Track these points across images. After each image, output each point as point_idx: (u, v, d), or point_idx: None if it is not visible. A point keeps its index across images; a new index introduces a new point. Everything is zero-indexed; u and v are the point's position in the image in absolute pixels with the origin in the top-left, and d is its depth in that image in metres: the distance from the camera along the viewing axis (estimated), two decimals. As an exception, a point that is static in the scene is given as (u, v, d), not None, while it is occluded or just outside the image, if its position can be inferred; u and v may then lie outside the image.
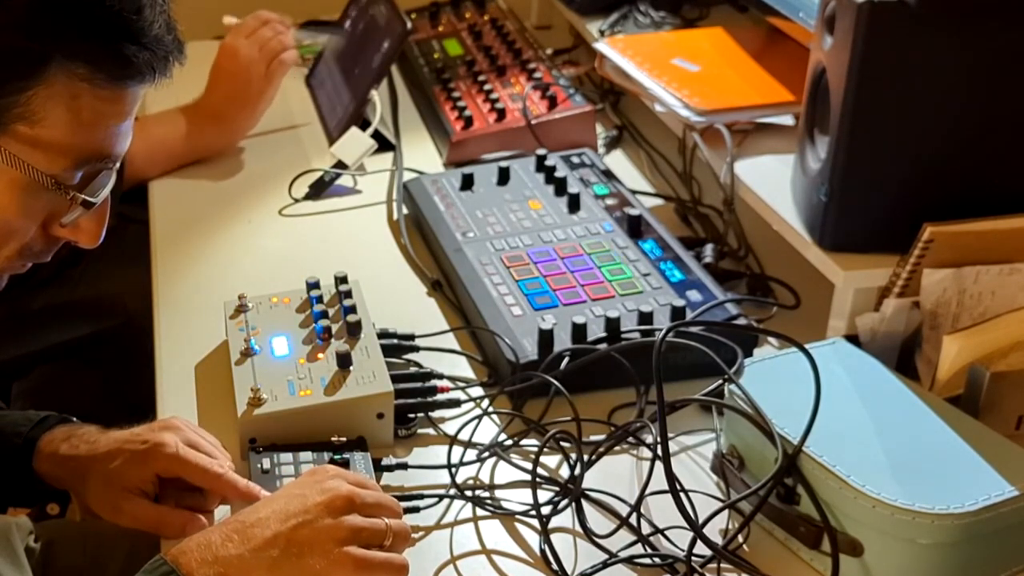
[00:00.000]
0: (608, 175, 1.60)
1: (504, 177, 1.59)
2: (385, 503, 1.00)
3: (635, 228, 1.45)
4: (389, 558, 0.96)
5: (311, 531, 0.93)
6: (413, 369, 1.29)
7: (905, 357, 1.26)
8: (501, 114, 1.74)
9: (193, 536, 0.95)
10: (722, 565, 1.05)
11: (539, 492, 1.12)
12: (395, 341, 1.31)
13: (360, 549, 0.94)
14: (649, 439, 1.17)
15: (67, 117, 0.89)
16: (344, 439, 1.15)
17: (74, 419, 1.17)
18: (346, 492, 0.97)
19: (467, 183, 1.58)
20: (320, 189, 1.67)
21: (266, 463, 1.11)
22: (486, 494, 1.15)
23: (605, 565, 1.06)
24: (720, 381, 1.18)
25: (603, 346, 1.26)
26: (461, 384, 1.29)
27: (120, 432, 1.12)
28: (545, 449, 1.16)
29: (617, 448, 1.19)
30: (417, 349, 1.32)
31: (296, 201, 1.65)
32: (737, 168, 1.47)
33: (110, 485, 1.08)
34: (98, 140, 0.92)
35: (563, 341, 1.27)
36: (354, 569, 0.93)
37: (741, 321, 1.30)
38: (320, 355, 1.23)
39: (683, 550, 1.06)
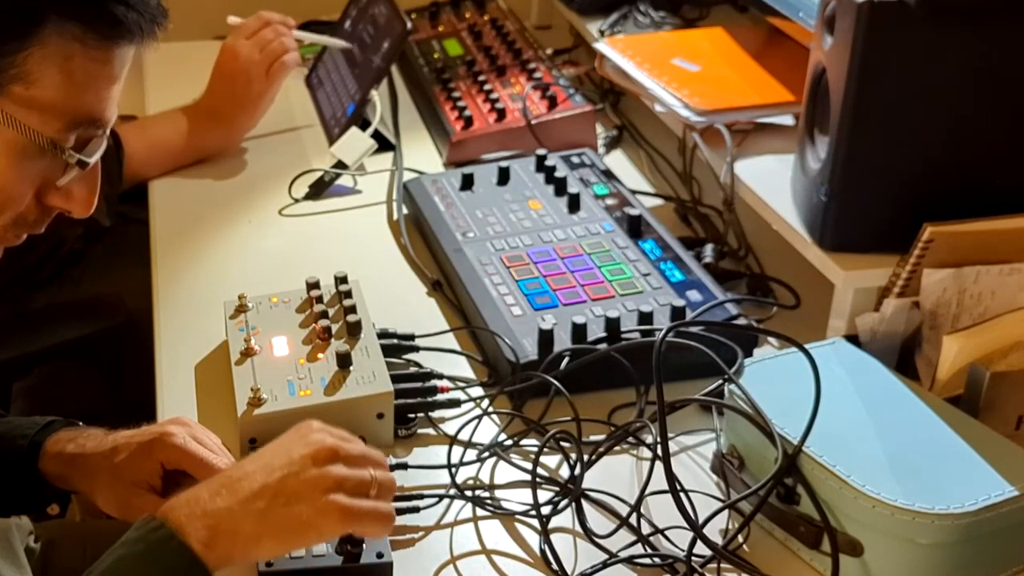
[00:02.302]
0: (608, 175, 1.60)
1: (504, 177, 1.59)
2: (370, 455, 0.99)
3: (635, 228, 1.45)
4: (376, 506, 0.95)
5: (297, 482, 0.93)
6: (413, 369, 1.29)
7: (905, 357, 1.26)
8: (501, 114, 1.74)
9: (180, 494, 0.94)
10: (722, 565, 1.05)
11: (539, 492, 1.12)
12: (395, 341, 1.31)
13: (347, 498, 0.94)
14: (649, 439, 1.17)
15: (60, 78, 0.91)
16: (344, 439, 1.15)
17: (80, 423, 1.17)
18: (331, 444, 0.96)
19: (467, 183, 1.58)
20: (320, 189, 1.67)
21: (266, 463, 1.11)
22: (486, 494, 1.15)
23: (605, 565, 1.06)
24: (720, 381, 1.18)
25: (603, 346, 1.26)
26: (461, 384, 1.29)
27: (125, 431, 1.13)
28: (545, 449, 1.16)
29: (617, 448, 1.19)
30: (417, 349, 1.32)
31: (296, 201, 1.65)
32: (737, 168, 1.47)
33: (118, 480, 1.09)
34: (89, 102, 0.94)
35: (563, 341, 1.27)
36: (341, 518, 0.93)
37: (741, 321, 1.30)
38: (320, 355, 1.23)
39: (683, 550, 1.06)
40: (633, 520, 1.09)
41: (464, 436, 1.21)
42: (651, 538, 1.08)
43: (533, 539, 1.10)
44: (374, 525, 0.95)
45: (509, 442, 1.20)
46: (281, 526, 0.92)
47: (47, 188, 0.97)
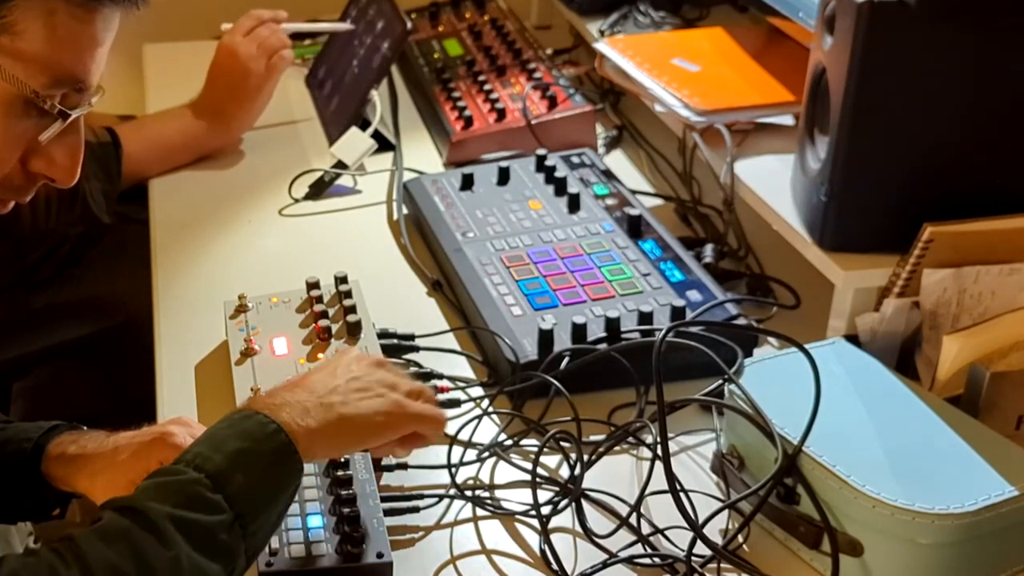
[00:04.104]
0: (608, 175, 1.60)
1: (504, 177, 1.59)
2: (403, 373, 1.08)
3: (635, 228, 1.45)
4: (434, 409, 1.06)
5: (365, 382, 1.02)
6: (413, 369, 1.29)
7: (905, 357, 1.26)
8: (501, 114, 1.74)
9: (254, 397, 1.02)
10: (722, 565, 1.05)
11: (539, 492, 1.12)
12: (395, 341, 1.31)
13: (408, 400, 1.03)
14: (649, 439, 1.17)
15: (44, 32, 0.91)
16: (344, 439, 1.15)
17: (83, 427, 1.17)
18: (379, 357, 1.08)
19: (467, 183, 1.58)
20: (320, 189, 1.67)
21: (266, 463, 1.11)
22: (486, 494, 1.15)
23: (605, 565, 1.06)
24: (720, 381, 1.18)
25: (603, 346, 1.26)
26: (461, 384, 1.29)
27: (126, 432, 1.13)
28: (545, 449, 1.16)
29: (617, 448, 1.19)
30: (417, 349, 1.32)
31: (296, 201, 1.65)
32: (737, 168, 1.47)
33: (119, 480, 1.09)
34: (72, 61, 0.94)
35: (563, 341, 1.27)
36: (408, 415, 1.02)
37: (741, 321, 1.30)
38: (320, 355, 1.23)
39: (683, 550, 1.06)
40: (633, 520, 1.09)
41: (464, 436, 1.21)
42: (651, 538, 1.08)
43: (533, 539, 1.10)
44: (432, 424, 1.05)
45: (509, 442, 1.20)
46: (359, 419, 1.00)
47: (31, 153, 0.98)
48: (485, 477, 1.18)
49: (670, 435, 1.16)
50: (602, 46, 1.74)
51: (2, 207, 1.01)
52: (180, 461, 0.91)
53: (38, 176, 1.00)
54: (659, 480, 1.08)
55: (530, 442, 1.21)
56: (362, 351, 1.13)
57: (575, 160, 1.63)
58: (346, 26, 1.91)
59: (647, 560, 1.07)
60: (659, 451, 1.09)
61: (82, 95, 0.97)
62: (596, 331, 1.28)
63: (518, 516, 1.12)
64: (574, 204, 1.51)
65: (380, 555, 1.03)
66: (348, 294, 1.31)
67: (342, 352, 1.08)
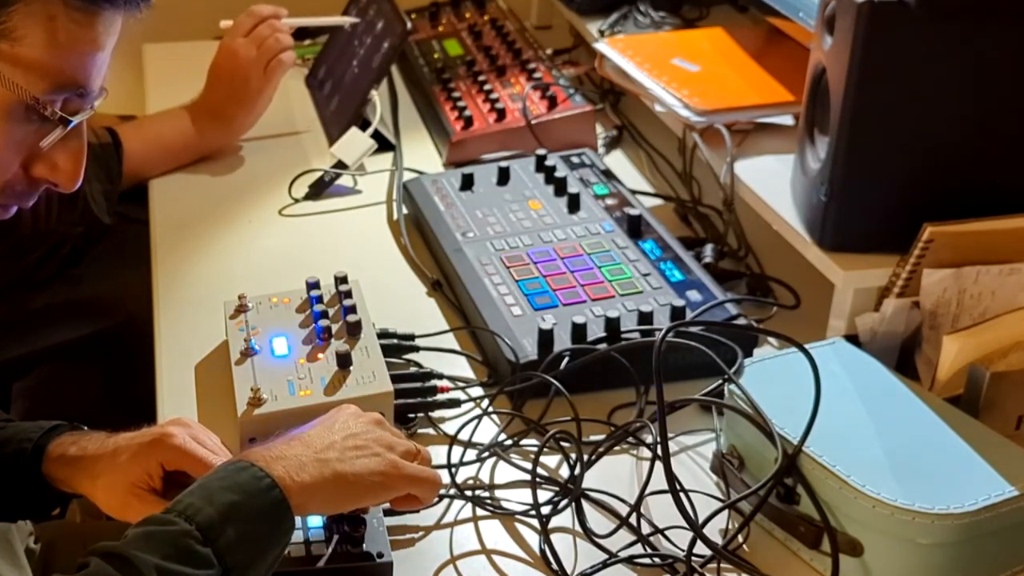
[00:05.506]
0: (608, 175, 1.60)
1: (504, 177, 1.59)
2: (400, 433, 1.06)
3: (635, 228, 1.45)
4: (430, 471, 1.04)
5: (362, 440, 1.01)
6: (413, 369, 1.29)
7: (905, 357, 1.27)
8: (501, 114, 1.74)
9: (252, 448, 1.00)
10: (722, 565, 1.05)
11: (539, 492, 1.12)
12: (395, 341, 1.31)
13: (405, 461, 1.02)
14: (649, 439, 1.17)
15: (44, 37, 0.91)
16: (344, 439, 1.15)
17: (84, 427, 1.17)
18: (377, 416, 1.05)
19: (467, 183, 1.58)
20: (320, 189, 1.67)
21: (266, 463, 1.11)
22: (486, 494, 1.15)
23: (605, 565, 1.06)
24: (720, 381, 1.18)
25: (603, 346, 1.26)
26: (461, 384, 1.29)
27: (126, 433, 1.13)
28: (545, 449, 1.16)
29: (617, 448, 1.19)
30: (417, 349, 1.32)
31: (296, 201, 1.65)
32: (737, 168, 1.47)
33: (118, 481, 1.08)
34: (73, 66, 0.94)
35: (563, 341, 1.27)
36: (403, 478, 1.01)
37: (741, 321, 1.30)
38: (320, 355, 1.23)
39: (683, 550, 1.06)
40: (633, 520, 1.09)
41: (464, 436, 1.21)
42: (651, 538, 1.08)
43: (533, 539, 1.10)
44: (427, 487, 1.03)
45: (509, 442, 1.20)
46: (354, 478, 0.98)
47: (33, 158, 0.97)
48: (485, 477, 1.18)
49: (670, 435, 1.16)
50: (602, 46, 1.74)
51: (4, 212, 1.00)
52: (172, 510, 0.90)
53: (41, 181, 0.99)
54: (659, 480, 1.08)
55: (530, 442, 1.21)
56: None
57: (575, 160, 1.63)
58: (350, 19, 1.90)
59: (647, 560, 1.07)
60: (659, 451, 1.09)
61: (84, 100, 0.96)
62: (596, 331, 1.28)
63: (518, 516, 1.12)
64: (574, 204, 1.51)
65: (380, 555, 1.03)
66: (348, 294, 1.30)
67: (340, 408, 1.06)
